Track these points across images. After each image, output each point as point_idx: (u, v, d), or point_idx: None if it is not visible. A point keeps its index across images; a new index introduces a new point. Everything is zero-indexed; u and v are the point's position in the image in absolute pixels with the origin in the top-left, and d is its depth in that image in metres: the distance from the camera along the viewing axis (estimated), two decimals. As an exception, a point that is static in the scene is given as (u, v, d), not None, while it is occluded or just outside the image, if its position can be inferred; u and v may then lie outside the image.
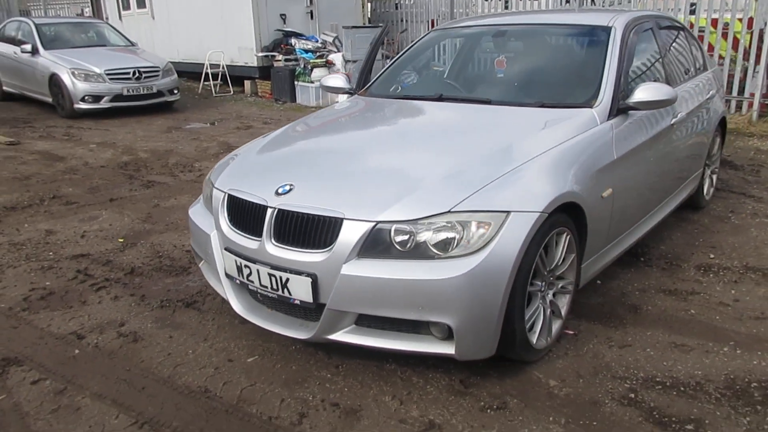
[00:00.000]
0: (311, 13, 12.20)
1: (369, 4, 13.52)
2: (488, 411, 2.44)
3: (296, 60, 11.19)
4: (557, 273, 2.81)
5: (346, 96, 4.12)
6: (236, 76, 12.24)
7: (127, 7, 14.98)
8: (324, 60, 10.83)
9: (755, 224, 4.47)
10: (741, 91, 8.27)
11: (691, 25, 8.59)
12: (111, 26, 11.98)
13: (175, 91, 10.33)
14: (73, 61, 9.61)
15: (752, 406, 2.45)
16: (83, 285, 3.66)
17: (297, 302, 2.55)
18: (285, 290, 2.55)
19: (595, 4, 9.94)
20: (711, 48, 8.38)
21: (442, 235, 2.37)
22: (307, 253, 2.48)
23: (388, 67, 4.17)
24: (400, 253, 2.39)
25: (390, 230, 2.38)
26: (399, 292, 2.34)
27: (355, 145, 3.14)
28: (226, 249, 2.78)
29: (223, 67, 12.14)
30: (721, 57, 8.35)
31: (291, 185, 2.64)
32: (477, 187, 2.49)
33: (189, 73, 13.20)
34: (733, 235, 4.30)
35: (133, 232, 4.56)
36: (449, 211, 2.38)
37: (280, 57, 11.35)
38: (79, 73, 9.40)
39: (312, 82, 10.64)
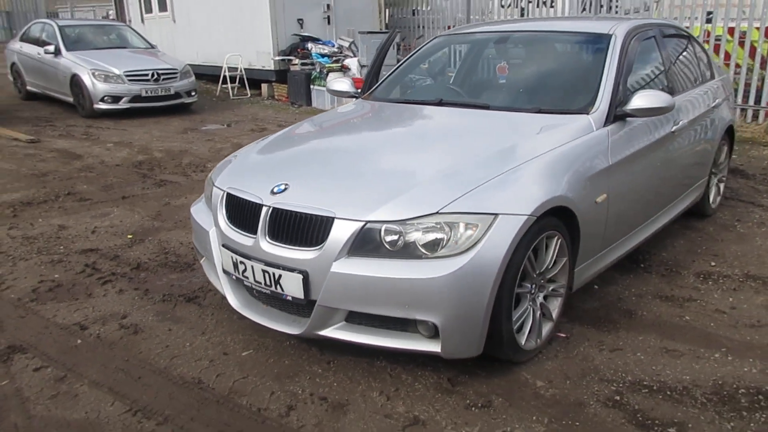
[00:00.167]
0: (328, 18, 12.33)
1: (386, 10, 13.61)
2: (473, 409, 2.48)
3: (312, 64, 11.31)
4: (548, 276, 2.84)
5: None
6: (254, 79, 12.40)
7: (149, 10, 15.25)
8: (340, 64, 10.94)
9: (761, 233, 4.45)
10: (758, 100, 8.20)
11: (708, 34, 8.56)
12: (132, 29, 12.22)
13: (193, 93, 10.50)
14: (94, 62, 9.82)
15: (737, 412, 2.46)
16: (90, 278, 3.76)
17: (289, 298, 2.61)
18: (278, 286, 2.62)
19: (611, 12, 9.92)
20: (728, 56, 8.34)
21: (431, 236, 2.42)
22: (298, 251, 2.55)
23: (392, 72, 4.24)
24: (389, 252, 2.44)
25: (380, 230, 2.44)
26: (386, 290, 2.40)
27: (352, 147, 3.21)
28: (223, 246, 2.85)
29: (240, 71, 12.31)
30: (738, 66, 8.30)
31: (286, 185, 2.71)
32: (466, 189, 2.53)
33: (208, 75, 13.40)
34: (737, 243, 4.28)
35: (142, 229, 4.67)
36: (437, 212, 2.43)
37: (296, 61, 11.49)
38: (99, 74, 9.61)
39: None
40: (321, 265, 2.49)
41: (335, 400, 2.54)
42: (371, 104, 3.94)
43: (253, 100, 12.10)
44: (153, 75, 9.86)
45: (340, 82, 4.21)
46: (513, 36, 4.06)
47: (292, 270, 2.55)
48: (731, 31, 8.30)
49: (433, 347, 2.47)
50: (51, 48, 10.30)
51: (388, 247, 2.44)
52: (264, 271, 2.64)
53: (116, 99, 9.69)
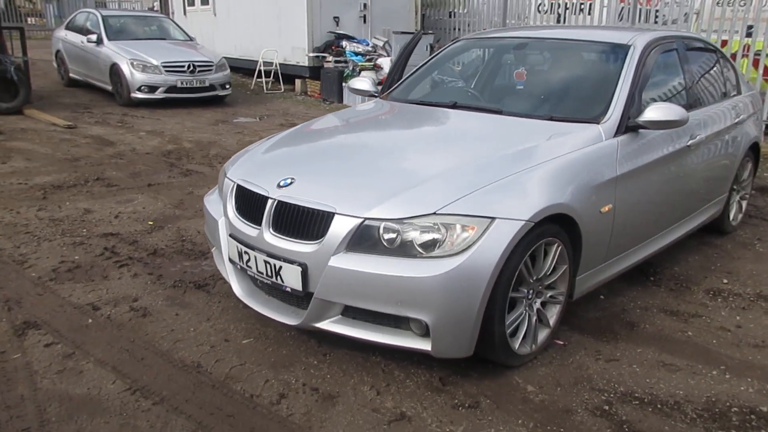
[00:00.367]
0: (364, 17, 12.42)
1: (421, 11, 13.64)
2: (460, 408, 2.52)
3: (345, 62, 11.41)
4: (546, 282, 2.86)
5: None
6: (288, 75, 12.57)
7: (191, 3, 15.59)
8: (372, 63, 11.01)
9: (780, 253, 4.37)
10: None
11: (748, 48, 8.40)
12: (173, 21, 12.51)
13: (227, 86, 10.70)
14: (133, 52, 10.08)
15: (727, 430, 2.45)
16: (108, 261, 3.90)
17: (288, 290, 2.69)
18: (278, 277, 2.69)
19: (648, 22, 9.78)
20: (767, 71, 8.16)
21: (428, 236, 2.47)
22: (299, 244, 2.62)
23: (412, 73, 4.29)
24: (386, 249, 2.50)
25: (379, 227, 2.50)
26: (379, 286, 2.45)
27: (361, 145, 3.28)
28: (230, 235, 2.95)
29: (276, 65, 12.49)
30: (776, 81, 8.12)
31: (293, 179, 2.79)
32: (466, 191, 2.57)
33: (245, 69, 13.63)
34: (754, 262, 4.22)
35: (163, 216, 4.81)
36: (434, 213, 2.48)
37: (330, 58, 11.60)
38: (137, 63, 9.87)
39: (359, 84, 10.82)
40: (319, 258, 2.55)
41: (326, 391, 2.61)
42: (388, 104, 4.00)
43: (286, 95, 12.26)
44: (189, 67, 10.08)
45: (360, 81, 4.28)
46: (533, 43, 4.07)
47: (292, 262, 2.62)
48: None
49: (424, 345, 2.52)
50: (93, 37, 10.60)
51: (385, 244, 2.50)
52: (266, 262, 2.72)
53: (153, 89, 9.93)
